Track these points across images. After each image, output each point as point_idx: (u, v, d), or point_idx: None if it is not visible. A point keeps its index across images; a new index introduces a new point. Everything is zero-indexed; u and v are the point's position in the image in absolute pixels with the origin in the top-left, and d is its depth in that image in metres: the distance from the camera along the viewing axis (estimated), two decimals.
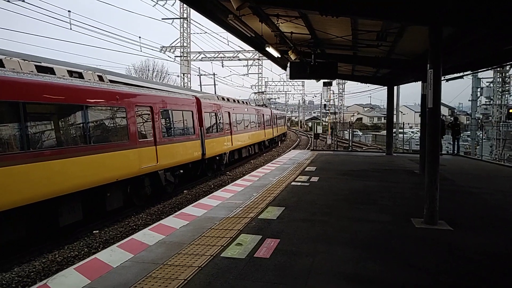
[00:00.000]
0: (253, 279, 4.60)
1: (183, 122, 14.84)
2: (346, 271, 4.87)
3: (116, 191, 10.70)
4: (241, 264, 5.02)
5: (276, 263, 5.05)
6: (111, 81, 11.87)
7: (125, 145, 10.81)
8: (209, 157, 17.01)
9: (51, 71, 9.34)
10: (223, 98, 21.83)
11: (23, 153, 7.69)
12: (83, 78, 10.23)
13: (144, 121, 11.99)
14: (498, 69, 25.66)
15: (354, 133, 37.86)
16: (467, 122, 47.41)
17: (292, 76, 13.51)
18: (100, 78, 11.14)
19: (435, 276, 4.79)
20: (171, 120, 13.81)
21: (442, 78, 13.96)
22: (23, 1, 16.00)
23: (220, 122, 19.18)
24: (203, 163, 16.69)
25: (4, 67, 8.06)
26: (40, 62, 9.53)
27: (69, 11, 19.55)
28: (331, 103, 52.50)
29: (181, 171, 14.36)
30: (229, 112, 20.92)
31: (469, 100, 29.64)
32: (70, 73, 9.94)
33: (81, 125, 9.47)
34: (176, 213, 8.06)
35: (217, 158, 18.64)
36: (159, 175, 12.70)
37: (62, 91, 8.95)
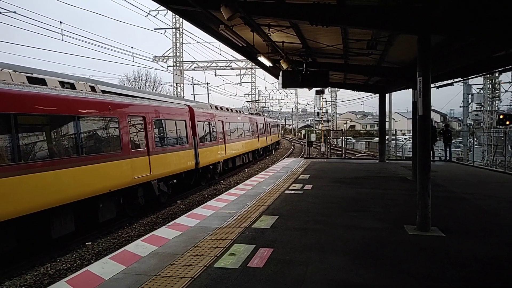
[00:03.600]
0: None
1: (176, 131, 14.81)
2: (339, 279, 4.87)
3: (109, 202, 10.58)
4: (235, 274, 5.00)
5: (270, 273, 5.04)
6: (103, 91, 11.90)
7: (117, 155, 10.74)
8: (202, 166, 16.96)
9: (42, 82, 9.31)
10: (216, 107, 21.88)
11: (14, 165, 7.62)
12: (75, 89, 10.22)
13: (137, 131, 11.96)
14: (488, 75, 25.99)
15: (347, 140, 38.05)
16: (459, 128, 47.85)
17: (284, 85, 13.59)
18: (92, 89, 11.13)
19: (428, 282, 4.81)
20: (164, 129, 13.80)
21: (433, 85, 14.19)
22: (15, 12, 16.00)
23: (213, 131, 19.18)
24: (196, 173, 16.66)
25: None
26: (32, 74, 9.53)
27: (61, 22, 19.58)
28: (324, 111, 52.74)
29: (175, 180, 14.31)
30: (222, 121, 20.94)
31: (460, 107, 29.94)
32: (62, 84, 9.96)
33: (73, 136, 9.42)
34: (169, 224, 8.02)
35: (211, 167, 18.59)
36: (152, 185, 12.61)
37: (53, 102, 8.91)
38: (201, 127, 17.45)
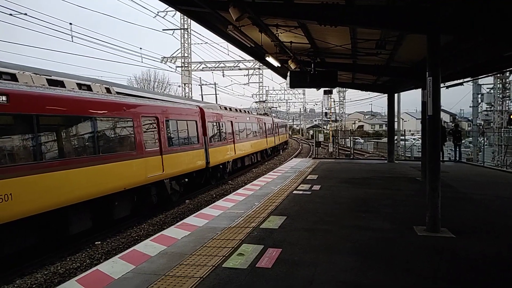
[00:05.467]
0: None
1: (188, 131, 15.09)
2: (348, 280, 4.85)
3: (123, 200, 10.85)
4: (243, 275, 5.00)
5: (278, 273, 5.04)
6: (118, 92, 12.17)
7: (132, 155, 11.04)
8: (213, 166, 17.22)
9: (61, 84, 9.62)
10: (225, 108, 22.14)
11: (36, 164, 7.91)
12: (92, 90, 10.55)
13: (150, 131, 12.24)
14: (498, 75, 25.69)
15: (356, 140, 37.82)
16: (469, 128, 47.37)
17: (292, 85, 13.57)
18: (108, 90, 11.46)
19: (437, 284, 4.78)
20: (176, 129, 14.07)
21: (442, 85, 14.06)
22: (26, 14, 16.19)
23: (223, 131, 19.46)
24: (207, 172, 16.92)
25: (18, 81, 8.37)
26: (51, 76, 9.84)
27: (70, 23, 19.72)
28: (332, 111, 52.55)
29: (186, 179, 14.59)
30: (231, 121, 21.18)
31: (470, 107, 29.66)
32: (79, 85, 10.26)
33: (91, 136, 9.74)
34: (178, 223, 8.06)
35: (221, 166, 18.88)
36: (165, 184, 12.90)
37: (72, 103, 9.25)
38: (211, 127, 17.75)
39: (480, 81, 27.48)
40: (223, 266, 5.32)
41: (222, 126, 19.37)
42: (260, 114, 37.24)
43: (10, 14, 15.84)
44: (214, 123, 18.38)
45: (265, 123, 31.47)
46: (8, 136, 7.71)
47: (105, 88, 11.39)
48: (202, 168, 16.12)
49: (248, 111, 30.46)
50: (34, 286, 7.10)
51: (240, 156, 22.61)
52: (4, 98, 7.42)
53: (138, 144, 11.33)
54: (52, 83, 9.32)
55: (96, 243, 9.57)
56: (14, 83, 8.11)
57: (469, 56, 10.78)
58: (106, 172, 9.89)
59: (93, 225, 9.84)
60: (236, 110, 24.58)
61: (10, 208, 7.26)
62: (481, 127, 30.13)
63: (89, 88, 10.54)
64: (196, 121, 15.90)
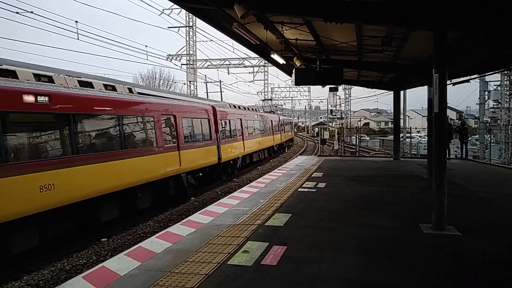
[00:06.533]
0: (260, 287, 4.59)
1: (202, 129, 16.04)
2: (353, 277, 4.85)
3: (145, 192, 11.71)
4: (248, 272, 5.02)
5: (283, 271, 5.04)
6: (138, 93, 12.92)
7: (154, 150, 11.95)
8: (224, 161, 18.15)
9: (90, 85, 10.29)
10: (234, 106, 22.86)
11: (74, 157, 8.78)
12: (116, 91, 11.26)
13: (168, 128, 13.16)
14: (506, 72, 25.46)
15: (361, 138, 37.70)
16: (475, 125, 47.04)
17: (298, 82, 13.51)
18: (130, 90, 12.21)
19: (443, 282, 4.76)
20: (191, 127, 15.03)
21: (449, 82, 13.95)
22: (32, 12, 16.26)
23: (233, 129, 20.33)
24: (219, 167, 17.84)
25: (54, 83, 9.01)
26: (81, 77, 10.44)
27: (76, 21, 19.79)
28: (337, 109, 52.38)
29: (201, 174, 15.55)
30: (241, 119, 21.97)
31: (476, 104, 29.46)
32: (105, 86, 10.97)
33: (118, 132, 10.55)
34: (183, 221, 8.09)
35: (231, 162, 19.74)
36: (181, 177, 13.80)
37: (102, 103, 10.12)
38: (222, 124, 18.65)
39: (487, 78, 27.27)
40: (228, 263, 5.33)
41: (232, 124, 20.20)
42: (267, 112, 37.32)
43: (17, 12, 15.92)
44: (225, 121, 19.18)
45: (271, 121, 31.98)
46: (50, 132, 8.61)
47: (128, 88, 12.12)
48: (214, 164, 17.03)
49: (255, 109, 30.77)
50: (41, 282, 7.16)
51: (248, 153, 23.39)
52: (46, 98, 8.20)
53: (159, 140, 12.20)
54: (82, 84, 10.02)
55: (102, 240, 9.63)
56: (53, 85, 8.83)
57: (476, 53, 10.70)
58: (131, 166, 10.74)
59: (120, 215, 10.66)
60: (244, 108, 25.19)
61: (53, 196, 8.08)
62: (487, 124, 29.92)
63: (113, 88, 11.22)
64: (209, 119, 16.77)
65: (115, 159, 10.09)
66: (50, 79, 9.04)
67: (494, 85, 28.26)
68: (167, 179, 12.79)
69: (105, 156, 9.75)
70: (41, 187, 7.80)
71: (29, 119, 8.10)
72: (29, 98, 7.85)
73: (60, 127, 8.72)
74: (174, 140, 13.26)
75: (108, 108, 10.26)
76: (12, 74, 8.21)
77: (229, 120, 19.86)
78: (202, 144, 15.76)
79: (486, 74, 19.43)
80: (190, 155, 14.26)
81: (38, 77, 8.82)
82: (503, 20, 6.77)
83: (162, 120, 12.58)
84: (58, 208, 8.30)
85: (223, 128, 18.73)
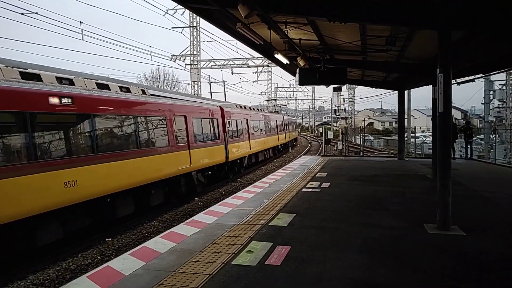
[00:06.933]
0: (264, 287, 4.60)
1: (210, 128, 16.68)
2: (357, 277, 4.84)
3: (158, 189, 12.24)
4: (252, 272, 5.02)
5: (287, 270, 5.05)
6: (151, 94, 13.32)
7: (166, 149, 12.51)
8: (231, 160, 18.69)
9: (106, 87, 10.72)
10: (241, 106, 23.37)
11: (94, 156, 9.31)
12: (131, 92, 11.74)
13: (179, 128, 13.66)
14: (511, 71, 25.31)
15: (365, 138, 37.59)
16: (480, 125, 46.79)
17: (301, 82, 13.50)
18: (143, 92, 12.72)
19: (448, 282, 4.74)
20: (200, 127, 15.57)
21: (453, 82, 13.89)
22: (37, 13, 16.34)
23: (240, 129, 20.87)
24: (226, 166, 18.35)
25: (75, 85, 9.46)
26: (98, 80, 10.99)
27: (81, 22, 19.85)
28: (341, 108, 52.25)
29: (209, 172, 16.13)
30: (247, 119, 22.43)
31: (481, 103, 29.29)
32: (120, 88, 11.39)
33: (134, 132, 11.09)
34: (187, 221, 8.11)
35: (238, 161, 20.28)
36: (192, 175, 14.37)
37: (119, 104, 10.63)
38: (230, 124, 19.16)
39: (492, 78, 27.11)
40: (232, 263, 5.34)
41: (239, 124, 20.74)
42: (271, 112, 37.38)
43: (22, 13, 16.01)
44: (232, 121, 19.67)
45: (276, 121, 32.35)
46: (73, 131, 9.21)
47: (141, 90, 12.68)
48: (222, 162, 17.57)
49: (260, 109, 31.06)
50: (46, 282, 7.20)
51: (254, 152, 23.83)
52: (69, 100, 8.76)
53: (171, 139, 12.78)
54: (100, 86, 10.48)
55: (107, 239, 9.67)
56: (75, 87, 9.35)
57: (481, 52, 10.64)
58: (146, 164, 11.27)
59: (135, 210, 11.16)
60: (250, 108, 25.60)
61: (76, 192, 8.62)
62: (492, 124, 29.74)
63: (128, 90, 11.67)
64: (217, 119, 17.36)
65: (132, 157, 10.64)
66: (70, 82, 9.48)
67: (499, 85, 28.12)
68: (179, 177, 13.34)
69: (122, 155, 10.31)
70: (65, 183, 8.36)
71: (54, 120, 8.62)
72: (54, 100, 8.39)
73: (81, 127, 9.35)
74: (185, 139, 13.80)
75: (125, 109, 10.81)
76: (37, 78, 8.63)
77: (236, 120, 20.30)
78: (211, 144, 16.28)
79: (492, 73, 19.35)
80: (199, 154, 14.80)
81: (60, 80, 9.24)
82: (504, 20, 6.73)
83: (174, 120, 13.10)
84: (80, 204, 8.86)
85: (230, 128, 19.19)
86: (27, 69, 8.76)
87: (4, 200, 7.10)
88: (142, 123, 11.49)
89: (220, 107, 18.37)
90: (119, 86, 11.33)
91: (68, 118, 8.93)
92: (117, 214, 10.40)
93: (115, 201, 10.19)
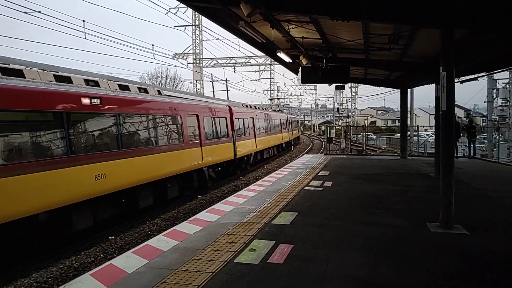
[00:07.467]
0: (267, 285, 4.61)
1: (220, 127, 17.54)
2: (360, 276, 4.84)
3: (174, 183, 13.08)
4: (255, 270, 5.03)
5: (290, 269, 5.05)
6: (166, 94, 14.13)
7: (181, 146, 13.39)
8: (239, 157, 19.59)
9: (127, 88, 11.43)
10: (247, 105, 24.29)
11: (120, 151, 10.16)
12: (148, 93, 12.52)
13: (192, 126, 14.55)
14: None
15: (368, 136, 37.51)
16: (483, 124, 46.62)
17: (304, 81, 13.48)
18: (159, 92, 13.50)
19: (451, 281, 4.74)
20: (211, 125, 16.50)
21: (456, 80, 13.84)
22: (40, 12, 16.38)
23: (246, 127, 21.78)
24: (234, 162, 19.22)
25: (100, 87, 10.21)
26: (119, 81, 11.72)
27: (83, 20, 19.90)
28: (344, 107, 52.17)
29: (219, 168, 17.10)
30: (253, 118, 23.24)
31: (485, 102, 29.13)
32: (139, 89, 12.16)
33: (153, 130, 11.97)
34: (190, 219, 8.12)
35: (245, 158, 21.21)
36: (203, 171, 15.26)
37: (140, 104, 11.54)
38: (237, 123, 20.01)
39: (495, 76, 26.95)
40: (235, 261, 5.35)
41: (245, 122, 21.62)
42: (275, 111, 37.50)
43: (25, 12, 16.04)
44: (240, 120, 20.55)
45: (280, 119, 32.92)
46: (102, 129, 9.93)
47: (157, 90, 13.46)
48: (230, 159, 18.45)
49: (265, 108, 31.50)
50: (49, 279, 7.24)
51: (260, 150, 24.73)
52: (98, 101, 9.59)
53: (185, 137, 13.69)
54: (121, 87, 11.19)
55: (109, 237, 9.71)
56: (102, 89, 10.16)
57: (484, 51, 10.60)
58: (163, 159, 12.11)
59: (153, 203, 11.90)
60: (255, 107, 26.33)
61: (104, 184, 9.43)
62: (496, 122, 29.61)
63: (145, 91, 12.47)
64: (226, 118, 18.28)
65: (151, 153, 11.49)
66: (96, 84, 10.21)
67: (503, 83, 27.91)
68: (192, 172, 14.25)
69: (143, 151, 11.18)
70: (96, 176, 9.20)
71: (85, 118, 9.41)
72: (86, 101, 9.23)
73: (109, 125, 10.12)
74: (197, 137, 14.72)
75: (145, 109, 11.73)
76: (68, 80, 9.36)
77: (243, 119, 21.14)
78: (221, 141, 17.21)
79: (495, 71, 19.27)
80: (210, 151, 15.69)
81: (87, 82, 9.99)
82: (504, 19, 6.70)
83: (187, 119, 14.00)
84: (108, 195, 9.67)
85: (238, 126, 20.02)
86: (58, 72, 9.40)
87: (49, 189, 7.95)
88: (160, 121, 12.42)
89: (228, 106, 19.23)
90: (137, 87, 12.13)
91: (97, 117, 9.73)
92: (139, 206, 11.14)
93: (137, 193, 11.00)
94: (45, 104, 8.22)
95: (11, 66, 8.34)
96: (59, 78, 9.08)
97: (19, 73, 8.17)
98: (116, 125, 10.21)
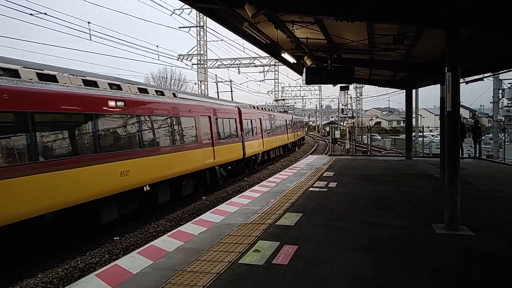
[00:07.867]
0: (272, 286, 4.61)
1: (230, 127, 18.28)
2: (364, 277, 4.82)
3: (189, 180, 13.88)
4: (259, 271, 5.03)
5: (295, 270, 5.05)
6: (180, 97, 14.75)
7: (195, 145, 14.17)
8: (248, 156, 20.35)
9: (146, 91, 12.14)
10: (254, 107, 25.10)
11: (141, 150, 10.91)
12: (164, 95, 13.19)
13: (205, 127, 15.25)
14: None
15: (373, 137, 37.39)
16: (489, 124, 46.34)
17: (308, 81, 13.47)
18: (174, 95, 14.14)
19: (456, 283, 4.71)
20: (222, 126, 17.17)
21: (462, 80, 13.75)
22: (45, 13, 16.47)
23: (254, 127, 22.56)
24: (243, 161, 19.97)
25: (122, 90, 10.82)
26: (138, 84, 12.35)
27: (88, 22, 19.97)
28: (348, 108, 52.03)
29: (230, 167, 17.93)
30: (260, 119, 23.86)
31: (490, 102, 28.99)
32: (156, 92, 12.86)
33: (171, 130, 12.78)
34: (195, 220, 8.13)
35: (253, 157, 22.01)
36: (215, 169, 16.08)
37: (159, 105, 12.29)
38: (246, 124, 20.79)
39: (501, 76, 26.83)
40: (239, 262, 5.35)
41: (253, 123, 22.40)
42: (281, 112, 37.62)
43: (31, 14, 16.15)
44: (248, 121, 21.30)
45: (286, 120, 33.48)
46: (126, 129, 10.68)
47: (172, 93, 14.13)
48: (240, 158, 19.19)
49: (271, 109, 31.92)
50: (55, 280, 7.27)
51: (267, 150, 25.40)
52: (123, 103, 10.32)
53: (199, 137, 14.46)
54: (141, 90, 11.88)
55: (115, 238, 9.74)
56: (125, 92, 10.83)
57: (490, 51, 10.54)
58: (179, 158, 12.86)
59: (170, 199, 12.60)
60: (262, 109, 26.97)
61: (128, 180, 10.14)
62: (501, 123, 29.44)
63: (162, 93, 13.12)
64: (235, 119, 19.04)
65: (169, 152, 12.23)
66: (118, 87, 10.83)
67: (509, 83, 27.84)
68: (204, 170, 15.00)
69: (163, 149, 11.96)
70: (121, 172, 9.92)
71: (112, 119, 10.13)
72: (112, 103, 9.96)
73: (132, 125, 10.84)
74: (210, 137, 15.44)
75: (163, 110, 12.46)
76: (94, 84, 9.96)
77: (251, 120, 21.92)
78: (231, 141, 17.99)
79: (500, 72, 19.14)
80: (221, 150, 16.47)
81: (111, 85, 10.63)
82: (504, 19, 6.66)
83: (201, 120, 14.77)
84: (131, 190, 10.38)
85: (247, 127, 20.78)
86: (85, 77, 9.98)
87: (82, 184, 8.69)
88: (177, 122, 13.17)
89: (237, 107, 20.01)
90: (155, 90, 12.83)
91: (122, 118, 10.46)
92: (158, 201, 11.86)
93: (156, 189, 11.69)
94: (78, 106, 8.97)
95: (45, 72, 8.86)
96: (87, 82, 9.72)
97: (53, 78, 8.80)
98: (138, 125, 10.98)
